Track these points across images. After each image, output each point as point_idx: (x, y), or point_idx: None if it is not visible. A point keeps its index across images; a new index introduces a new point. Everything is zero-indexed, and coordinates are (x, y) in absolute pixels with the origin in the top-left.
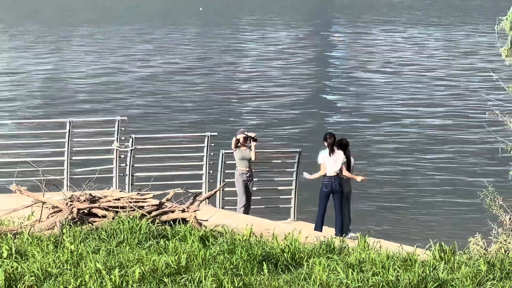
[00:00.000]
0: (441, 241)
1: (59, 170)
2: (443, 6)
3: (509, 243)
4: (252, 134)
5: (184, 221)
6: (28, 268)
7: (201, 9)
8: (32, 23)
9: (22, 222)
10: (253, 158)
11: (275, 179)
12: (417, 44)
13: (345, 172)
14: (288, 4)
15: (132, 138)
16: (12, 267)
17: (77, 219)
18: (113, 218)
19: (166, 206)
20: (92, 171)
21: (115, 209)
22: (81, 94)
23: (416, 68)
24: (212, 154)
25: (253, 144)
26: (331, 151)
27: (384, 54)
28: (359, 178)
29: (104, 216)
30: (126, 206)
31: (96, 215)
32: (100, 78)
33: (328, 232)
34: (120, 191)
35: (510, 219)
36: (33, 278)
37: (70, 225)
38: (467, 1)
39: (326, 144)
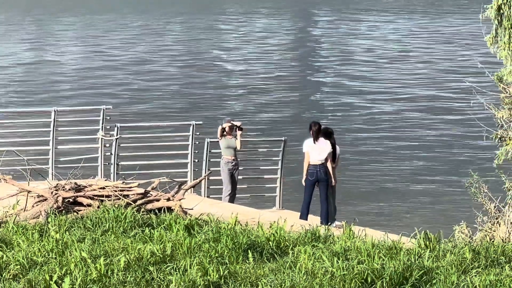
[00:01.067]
0: (426, 229)
1: (44, 159)
2: None
3: (494, 231)
4: (238, 123)
5: (169, 209)
6: (13, 257)
7: None
8: (18, 10)
9: (7, 211)
10: (238, 147)
11: (261, 167)
12: (402, 32)
13: (329, 165)
14: None
15: (117, 127)
16: None
17: (62, 208)
18: (98, 207)
19: (151, 194)
20: (77, 160)
21: (100, 198)
22: (66, 83)
23: (402, 55)
24: (197, 142)
25: (238, 133)
26: (315, 139)
27: (368, 42)
28: (333, 182)
29: (89, 205)
30: (111, 195)
31: (81, 204)
32: (85, 67)
33: (314, 220)
34: (105, 180)
35: (495, 207)
36: (18, 267)
37: (55, 214)
38: None
39: (310, 132)
